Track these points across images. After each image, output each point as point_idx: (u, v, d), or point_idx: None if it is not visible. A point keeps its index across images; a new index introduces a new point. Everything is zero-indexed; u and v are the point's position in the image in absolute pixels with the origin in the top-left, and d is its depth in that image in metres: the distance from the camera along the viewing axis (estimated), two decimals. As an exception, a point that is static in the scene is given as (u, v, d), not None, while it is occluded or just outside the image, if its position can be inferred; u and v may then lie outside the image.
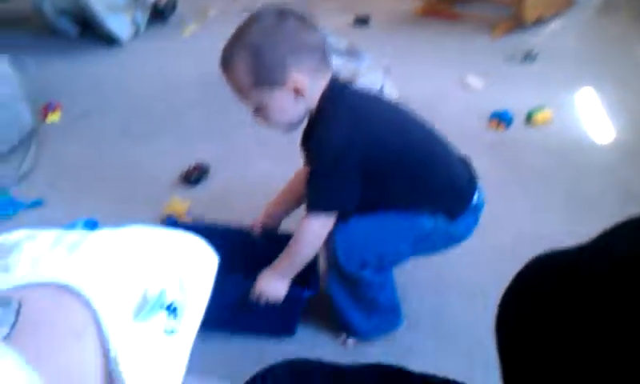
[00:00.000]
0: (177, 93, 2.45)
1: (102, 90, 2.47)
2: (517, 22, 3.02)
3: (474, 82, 2.49)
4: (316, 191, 1.20)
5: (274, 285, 1.27)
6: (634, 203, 1.81)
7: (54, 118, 2.24)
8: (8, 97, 2.01)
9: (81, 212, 1.74)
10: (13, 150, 2.00)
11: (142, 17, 2.94)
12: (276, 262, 1.27)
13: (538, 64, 2.71)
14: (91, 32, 2.86)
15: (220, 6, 3.33)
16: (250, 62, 1.14)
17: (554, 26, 3.13)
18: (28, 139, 2.06)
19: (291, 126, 1.24)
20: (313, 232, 1.22)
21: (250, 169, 1.97)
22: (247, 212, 1.55)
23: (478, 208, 1.32)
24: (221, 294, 1.04)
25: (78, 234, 0.90)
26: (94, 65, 2.69)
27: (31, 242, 0.92)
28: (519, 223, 1.75)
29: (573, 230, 1.70)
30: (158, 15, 3.07)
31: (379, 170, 1.20)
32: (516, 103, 2.32)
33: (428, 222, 1.26)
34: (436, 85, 2.49)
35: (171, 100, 2.40)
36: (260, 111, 1.19)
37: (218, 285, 1.09)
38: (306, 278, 1.30)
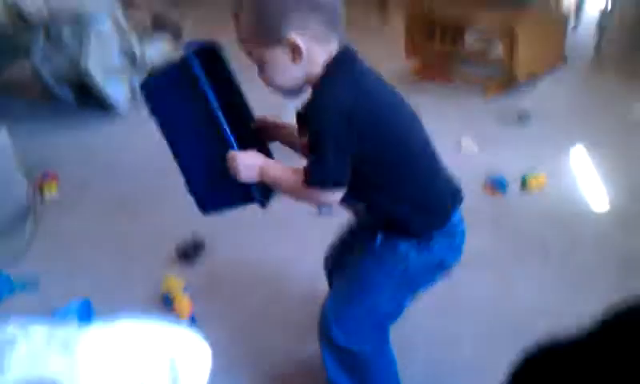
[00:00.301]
0: (173, 161, 2.45)
1: (99, 159, 2.48)
2: (509, 81, 3.06)
3: (469, 145, 2.51)
4: (314, 167, 1.11)
5: (247, 171, 1.18)
6: (633, 273, 1.81)
7: (50, 189, 2.24)
8: (3, 169, 2.01)
9: (76, 290, 1.73)
10: (8, 225, 2.00)
11: (139, 81, 2.96)
12: (270, 163, 1.20)
13: (532, 125, 2.74)
14: (89, 98, 2.88)
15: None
16: (254, 13, 1.10)
17: (546, 84, 3.16)
18: (24, 213, 2.06)
19: (290, 92, 1.17)
20: (309, 197, 1.15)
21: (246, 243, 1.97)
22: (245, 288, 1.55)
23: (455, 232, 1.24)
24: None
25: (72, 330, 0.89)
26: (91, 133, 2.70)
27: (25, 339, 0.91)
28: (516, 296, 1.74)
29: (571, 301, 1.70)
30: (155, 78, 3.09)
31: (372, 157, 1.13)
32: (511, 167, 2.34)
33: (402, 248, 1.20)
34: (431, 149, 2.50)
35: (168, 169, 2.40)
36: (261, 69, 1.14)
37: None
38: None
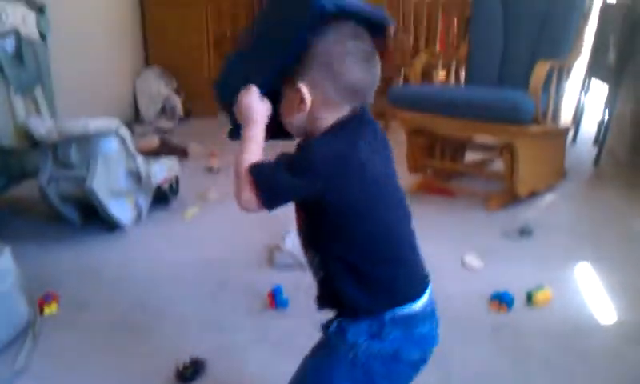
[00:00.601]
0: (175, 280, 2.45)
1: (101, 279, 2.48)
2: (511, 196, 3.08)
3: (473, 261, 2.50)
4: (268, 165, 1.11)
5: (244, 109, 1.17)
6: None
7: (50, 309, 2.22)
8: (5, 291, 2.01)
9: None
10: (8, 345, 1.97)
11: (145, 201, 3.00)
12: (258, 129, 1.16)
13: (535, 239, 2.74)
14: (94, 217, 2.91)
15: (221, 188, 3.41)
16: None
17: (548, 198, 3.19)
18: (23, 333, 2.04)
19: (297, 132, 1.19)
20: (239, 183, 1.13)
21: (248, 362, 1.93)
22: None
23: (413, 324, 1.17)
24: None
25: None
26: (94, 252, 2.71)
27: None
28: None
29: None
30: (161, 198, 3.14)
31: (344, 209, 1.11)
32: (516, 282, 2.32)
33: (351, 333, 1.15)
34: (435, 265, 2.45)
35: (169, 288, 2.40)
36: (283, 99, 1.18)
37: None
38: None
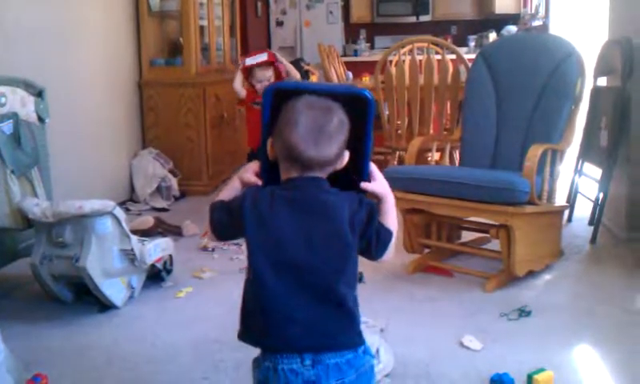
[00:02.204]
0: (169, 361, 2.40)
1: (91, 360, 2.42)
2: (508, 276, 3.06)
3: (472, 342, 2.46)
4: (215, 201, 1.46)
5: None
6: None
7: (39, 392, 2.16)
8: (-7, 373, 1.96)
9: None
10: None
11: (138, 281, 2.97)
12: (230, 185, 1.49)
13: (534, 319, 2.70)
14: (86, 297, 2.87)
15: (216, 265, 3.39)
16: None
17: (545, 278, 3.17)
18: (10, 417, 1.98)
19: None
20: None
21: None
22: None
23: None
24: None
25: None
26: (85, 332, 2.66)
27: None
28: None
29: None
30: (155, 277, 3.10)
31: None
32: (515, 363, 2.27)
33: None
34: (433, 347, 2.45)
35: (162, 370, 2.34)
36: None
37: None
38: None
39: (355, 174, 1.40)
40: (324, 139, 1.31)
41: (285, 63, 4.06)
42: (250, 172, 1.44)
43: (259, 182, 1.43)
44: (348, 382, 1.31)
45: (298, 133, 1.30)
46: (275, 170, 1.40)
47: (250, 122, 4.20)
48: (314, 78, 6.93)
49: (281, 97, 1.38)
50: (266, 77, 3.89)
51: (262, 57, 3.96)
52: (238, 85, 4.03)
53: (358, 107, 1.37)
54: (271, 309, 1.32)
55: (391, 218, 1.41)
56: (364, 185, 1.40)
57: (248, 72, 3.98)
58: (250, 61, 3.96)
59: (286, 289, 1.30)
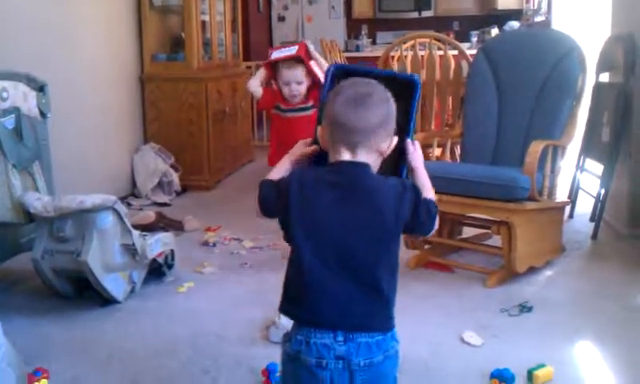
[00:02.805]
0: (169, 356, 2.40)
1: (92, 354, 2.43)
2: (509, 272, 3.06)
3: (472, 338, 2.46)
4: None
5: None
6: None
7: (40, 385, 2.17)
8: (-5, 367, 1.96)
9: None
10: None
11: (139, 275, 2.98)
12: (287, 156, 1.59)
13: (535, 315, 2.70)
14: (87, 291, 2.88)
15: (217, 260, 3.39)
16: None
17: (546, 274, 3.17)
18: (10, 411, 1.98)
19: None
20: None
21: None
22: None
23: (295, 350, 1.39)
24: None
25: None
26: (86, 327, 2.67)
27: None
28: None
29: None
30: (156, 272, 3.11)
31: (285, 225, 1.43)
32: (516, 359, 2.27)
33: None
34: (434, 342, 2.45)
35: (163, 364, 2.35)
36: None
37: None
38: None
39: (398, 147, 1.49)
40: (364, 107, 1.38)
41: (319, 59, 3.22)
42: (300, 151, 1.54)
43: (310, 151, 1.53)
44: (376, 362, 1.37)
45: (340, 100, 1.39)
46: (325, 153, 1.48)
47: (275, 132, 3.38)
48: None
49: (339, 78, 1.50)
50: (295, 78, 3.11)
51: (291, 51, 3.16)
52: (254, 83, 3.26)
53: (407, 88, 1.52)
54: (310, 286, 1.38)
55: (428, 188, 1.51)
56: (406, 145, 1.51)
57: (273, 69, 3.21)
58: (276, 54, 3.22)
59: (326, 269, 1.36)
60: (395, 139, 1.45)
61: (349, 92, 1.40)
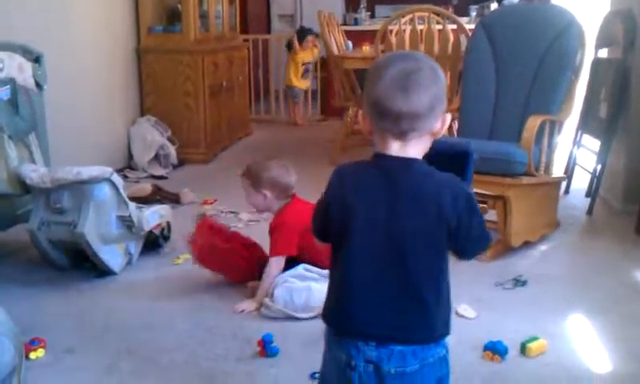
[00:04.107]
0: (165, 327, 2.42)
1: (89, 324, 2.45)
2: (504, 247, 3.08)
3: (466, 311, 2.48)
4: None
5: None
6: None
7: (37, 355, 2.19)
8: (-9, 336, 1.97)
9: None
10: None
11: (136, 247, 2.98)
12: None
13: (529, 289, 2.72)
14: (83, 263, 2.89)
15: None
16: None
17: (541, 249, 3.19)
18: (8, 379, 1.99)
19: None
20: None
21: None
22: None
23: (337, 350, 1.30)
24: None
25: None
26: (83, 297, 2.68)
27: None
28: None
29: None
30: (152, 244, 3.12)
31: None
32: (509, 332, 2.30)
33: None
34: (427, 314, 2.46)
35: (159, 334, 2.37)
36: None
37: None
38: None
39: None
40: (413, 85, 1.19)
41: None
42: None
43: None
44: (409, 372, 1.24)
45: (384, 81, 1.20)
46: None
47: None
48: (315, 51, 6.85)
49: None
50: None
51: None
52: None
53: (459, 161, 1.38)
54: (348, 294, 1.27)
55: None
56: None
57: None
58: None
59: (366, 277, 1.25)
60: (449, 117, 1.27)
61: (392, 72, 1.20)
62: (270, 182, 2.59)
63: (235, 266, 2.71)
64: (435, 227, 1.22)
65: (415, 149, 1.26)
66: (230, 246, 2.72)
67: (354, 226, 1.25)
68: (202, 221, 2.80)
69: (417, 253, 1.23)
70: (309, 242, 2.60)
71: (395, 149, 1.24)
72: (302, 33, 6.85)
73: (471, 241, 1.26)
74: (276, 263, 2.55)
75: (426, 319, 1.26)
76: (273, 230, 2.61)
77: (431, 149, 1.29)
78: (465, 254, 1.31)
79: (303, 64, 6.85)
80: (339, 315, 1.29)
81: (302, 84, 6.91)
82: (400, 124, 1.21)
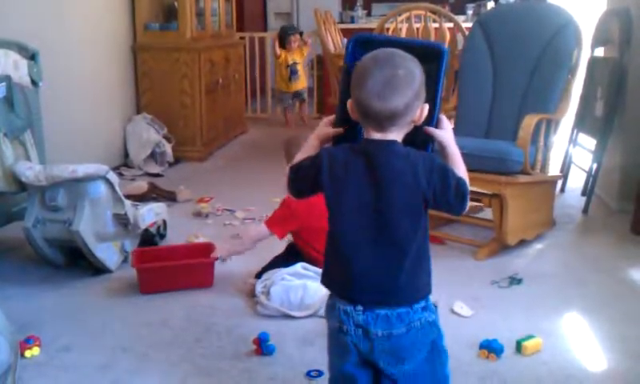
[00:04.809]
0: (161, 324, 2.42)
1: (84, 322, 2.44)
2: (500, 245, 3.08)
3: (462, 309, 2.48)
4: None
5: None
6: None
7: (32, 353, 2.18)
8: (-13, 335, 1.96)
9: None
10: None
11: (131, 245, 2.98)
12: (313, 135, 1.57)
13: (525, 287, 2.73)
14: (79, 261, 2.88)
15: (210, 231, 3.39)
16: None
17: (537, 247, 3.19)
18: (3, 377, 1.99)
19: None
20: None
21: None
22: None
23: (342, 319, 1.42)
24: None
25: None
26: (78, 295, 2.68)
27: None
28: None
29: None
30: (148, 242, 3.11)
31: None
32: (505, 330, 2.30)
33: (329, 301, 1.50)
34: (423, 312, 2.46)
35: (155, 332, 2.36)
36: None
37: None
38: None
39: (425, 122, 1.45)
40: (389, 91, 1.35)
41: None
42: (325, 126, 1.54)
43: (335, 133, 1.51)
44: (396, 335, 1.39)
45: (366, 88, 1.36)
46: (350, 125, 1.48)
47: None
48: (305, 50, 6.75)
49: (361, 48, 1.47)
50: None
51: None
52: None
53: (433, 59, 1.45)
54: (339, 260, 1.42)
55: (458, 165, 1.46)
56: (430, 129, 1.45)
57: None
58: None
59: (353, 246, 1.40)
60: (427, 107, 1.41)
61: (375, 76, 1.35)
62: (293, 157, 2.59)
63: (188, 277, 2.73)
64: (413, 199, 1.38)
65: (395, 134, 1.40)
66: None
67: (343, 201, 1.40)
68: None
69: (398, 223, 1.38)
70: (307, 238, 2.61)
71: (377, 136, 1.40)
72: (284, 33, 6.56)
73: (451, 202, 1.41)
74: (258, 230, 2.66)
75: (407, 281, 1.40)
76: (281, 203, 2.65)
77: (402, 44, 1.45)
78: (451, 212, 1.48)
79: (288, 66, 6.50)
80: (331, 282, 1.47)
81: (290, 87, 6.56)
82: (381, 122, 1.38)
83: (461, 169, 1.45)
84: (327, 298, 1.49)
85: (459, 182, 1.40)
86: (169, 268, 2.74)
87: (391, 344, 1.39)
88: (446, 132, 1.47)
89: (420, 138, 1.45)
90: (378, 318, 1.38)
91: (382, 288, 1.39)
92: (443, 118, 1.49)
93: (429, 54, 1.45)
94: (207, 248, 2.81)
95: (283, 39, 6.52)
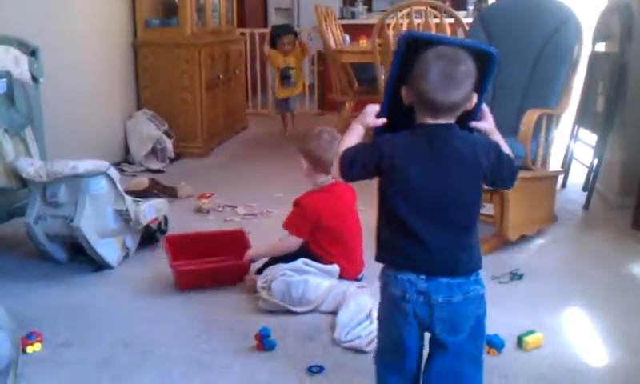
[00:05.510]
0: (162, 320, 2.42)
1: (85, 318, 2.44)
2: (501, 240, 3.08)
3: (463, 304, 2.48)
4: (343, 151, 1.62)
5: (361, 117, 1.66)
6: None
7: (34, 349, 2.18)
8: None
9: None
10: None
11: (133, 241, 2.98)
12: (354, 128, 1.66)
13: (525, 282, 2.73)
14: (80, 257, 2.88)
15: (211, 227, 3.39)
16: None
17: (538, 243, 3.19)
18: (5, 373, 1.99)
19: None
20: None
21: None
22: None
23: (404, 288, 1.52)
24: None
25: None
26: (79, 291, 2.68)
27: None
28: None
29: None
30: (150, 238, 3.11)
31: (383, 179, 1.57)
32: (506, 325, 2.29)
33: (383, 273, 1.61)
34: (424, 308, 2.46)
35: (156, 328, 2.37)
36: None
37: None
38: None
39: (469, 114, 1.57)
40: (452, 86, 1.47)
41: None
42: (371, 116, 1.62)
43: (379, 123, 1.61)
44: (455, 302, 1.51)
45: (429, 81, 1.47)
46: (397, 112, 1.58)
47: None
48: (299, 52, 6.50)
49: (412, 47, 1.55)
50: None
51: None
52: None
53: (482, 61, 1.54)
54: (403, 236, 1.52)
55: (504, 147, 1.59)
56: (474, 123, 1.59)
57: None
58: None
59: (419, 224, 1.50)
60: (475, 97, 1.54)
61: (436, 71, 1.47)
62: (304, 151, 2.59)
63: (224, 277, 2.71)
64: (474, 176, 1.52)
65: (450, 119, 1.53)
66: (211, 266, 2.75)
67: (408, 181, 1.50)
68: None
69: (462, 198, 1.51)
70: (314, 236, 2.60)
71: (433, 121, 1.51)
72: (276, 32, 5.89)
73: (505, 177, 1.56)
74: (288, 241, 2.60)
75: (466, 253, 1.53)
76: (293, 205, 2.64)
77: (457, 45, 1.55)
78: (503, 186, 1.62)
79: (279, 69, 5.81)
80: (392, 256, 1.56)
81: (283, 93, 5.86)
82: (440, 111, 1.50)
83: (507, 149, 1.59)
84: (382, 273, 1.59)
85: (510, 158, 1.56)
86: (207, 269, 2.73)
87: (449, 311, 1.50)
88: (489, 123, 1.62)
89: (465, 122, 1.57)
90: (440, 286, 1.49)
91: (446, 260, 1.50)
92: (485, 108, 1.62)
93: (479, 56, 1.54)
94: (239, 237, 2.84)
95: (274, 39, 5.85)
